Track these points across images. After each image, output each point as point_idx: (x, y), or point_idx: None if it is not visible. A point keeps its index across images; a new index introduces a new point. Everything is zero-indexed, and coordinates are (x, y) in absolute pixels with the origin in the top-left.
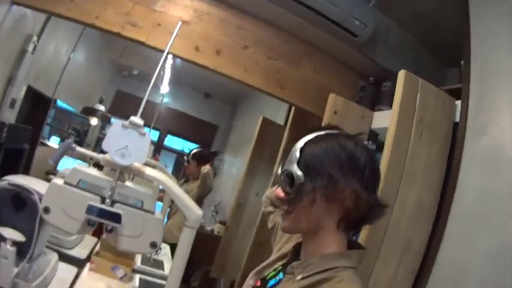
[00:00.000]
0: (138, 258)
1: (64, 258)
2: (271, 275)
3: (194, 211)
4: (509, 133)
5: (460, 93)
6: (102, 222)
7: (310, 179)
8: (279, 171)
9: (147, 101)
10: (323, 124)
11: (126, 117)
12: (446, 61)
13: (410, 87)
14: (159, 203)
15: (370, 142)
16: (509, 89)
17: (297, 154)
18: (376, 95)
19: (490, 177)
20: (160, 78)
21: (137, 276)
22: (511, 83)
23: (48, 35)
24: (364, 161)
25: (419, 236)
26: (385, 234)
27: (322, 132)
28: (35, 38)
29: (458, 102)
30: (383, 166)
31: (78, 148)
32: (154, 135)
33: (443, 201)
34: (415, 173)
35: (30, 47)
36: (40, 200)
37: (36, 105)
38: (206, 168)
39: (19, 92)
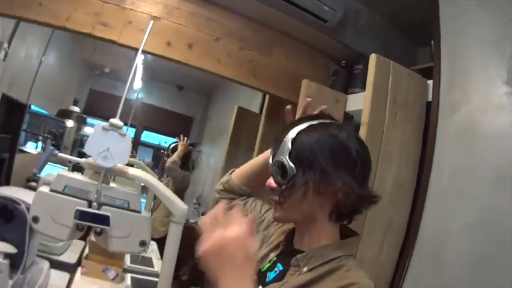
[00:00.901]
0: (128, 258)
1: (55, 264)
2: (266, 266)
3: (179, 206)
4: (481, 110)
5: (431, 72)
6: (91, 225)
7: (303, 171)
8: (270, 161)
9: (125, 99)
10: (298, 111)
11: (101, 116)
12: (417, 41)
13: (382, 70)
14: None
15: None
16: (480, 67)
17: (289, 145)
18: (349, 78)
19: (465, 153)
20: (132, 74)
21: (128, 276)
22: (481, 60)
23: (18, 40)
24: (356, 153)
25: (400, 214)
26: (367, 215)
27: (315, 122)
28: (5, 45)
29: (430, 82)
30: None
31: (61, 154)
32: (130, 132)
33: (420, 179)
34: (392, 153)
35: (1, 54)
36: (28, 209)
37: (12, 112)
38: (168, 161)
39: None
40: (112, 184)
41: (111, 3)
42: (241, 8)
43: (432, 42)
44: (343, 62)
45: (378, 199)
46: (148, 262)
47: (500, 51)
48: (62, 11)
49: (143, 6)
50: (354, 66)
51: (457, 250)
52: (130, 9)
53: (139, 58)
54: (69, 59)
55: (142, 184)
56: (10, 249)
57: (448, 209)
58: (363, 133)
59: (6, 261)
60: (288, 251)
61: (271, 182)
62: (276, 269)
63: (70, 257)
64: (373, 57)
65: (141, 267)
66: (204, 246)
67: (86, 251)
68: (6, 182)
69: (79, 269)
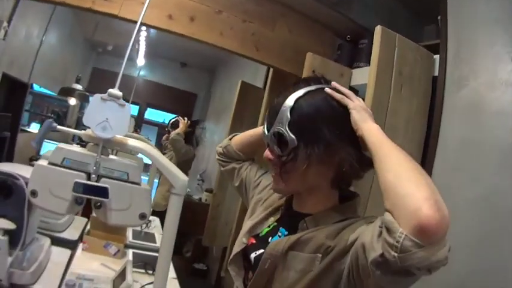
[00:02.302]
0: (130, 234)
1: (56, 241)
2: (266, 230)
3: (180, 177)
4: (488, 86)
5: (437, 49)
6: (90, 198)
7: (304, 144)
8: (265, 130)
9: (125, 76)
10: None
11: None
12: (423, 18)
13: (387, 42)
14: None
15: None
16: (488, 43)
17: (288, 114)
18: (354, 53)
19: (471, 129)
20: (135, 51)
21: (130, 251)
22: (488, 37)
23: (18, 18)
24: None
25: None
26: (371, 190)
27: (313, 87)
28: (5, 24)
29: (437, 57)
30: None
31: (59, 127)
32: (133, 109)
33: (426, 154)
34: (397, 127)
35: (1, 33)
36: (26, 184)
37: (13, 92)
38: (173, 133)
39: None
40: (112, 156)
41: None
42: None
43: (439, 18)
44: (348, 36)
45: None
46: (150, 238)
47: (508, 28)
48: None
49: None
50: (359, 40)
51: (461, 227)
52: None
53: (142, 34)
54: (71, 38)
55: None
56: (9, 225)
57: (453, 185)
58: (367, 104)
59: (5, 238)
60: (289, 215)
61: (268, 153)
62: (279, 233)
63: (72, 233)
64: (378, 30)
65: (143, 242)
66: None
67: (88, 227)
68: (9, 161)
69: (80, 245)
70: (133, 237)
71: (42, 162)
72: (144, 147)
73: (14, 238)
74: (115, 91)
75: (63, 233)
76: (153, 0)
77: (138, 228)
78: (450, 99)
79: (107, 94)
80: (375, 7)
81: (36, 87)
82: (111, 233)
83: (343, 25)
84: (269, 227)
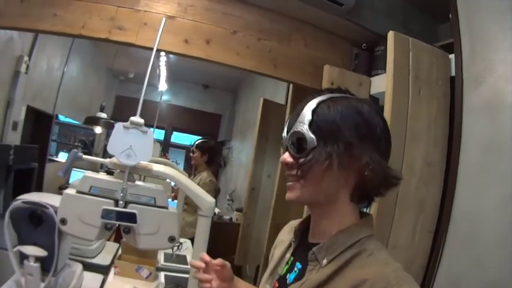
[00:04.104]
0: (161, 257)
1: (88, 267)
2: (285, 269)
3: (206, 199)
4: (505, 80)
5: (453, 47)
6: (119, 224)
7: (324, 143)
8: (284, 134)
9: (148, 101)
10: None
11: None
12: (437, 17)
13: (401, 47)
14: (173, 202)
15: None
16: (501, 37)
17: (309, 115)
18: (371, 61)
19: (493, 126)
20: (156, 77)
21: (162, 274)
22: (501, 30)
23: (39, 52)
24: (381, 129)
25: (432, 194)
26: (397, 197)
27: (337, 94)
28: (26, 58)
29: (452, 56)
30: None
31: (85, 156)
32: (159, 134)
33: (450, 156)
34: (419, 131)
35: (23, 68)
36: (56, 213)
37: (39, 123)
38: (208, 177)
39: (19, 114)
40: (138, 182)
41: (125, 7)
42: None
43: (450, 15)
44: (364, 44)
45: (400, 180)
46: (182, 260)
47: None
48: (77, 19)
49: (157, 7)
50: (375, 48)
51: (492, 227)
52: (145, 10)
53: (162, 59)
54: (92, 68)
55: (172, 185)
56: (40, 252)
57: (481, 186)
58: (387, 112)
59: (37, 264)
60: (303, 246)
61: (286, 157)
62: (295, 269)
63: (104, 258)
64: (391, 35)
65: (175, 265)
66: None
67: (120, 252)
68: (38, 191)
69: (112, 270)
70: (165, 260)
71: (70, 191)
72: (169, 171)
73: (46, 264)
74: (136, 119)
75: (95, 258)
76: (168, 26)
77: (170, 251)
78: (469, 98)
79: (129, 122)
80: (387, 12)
81: (61, 117)
82: (142, 257)
83: (358, 34)
84: (287, 263)
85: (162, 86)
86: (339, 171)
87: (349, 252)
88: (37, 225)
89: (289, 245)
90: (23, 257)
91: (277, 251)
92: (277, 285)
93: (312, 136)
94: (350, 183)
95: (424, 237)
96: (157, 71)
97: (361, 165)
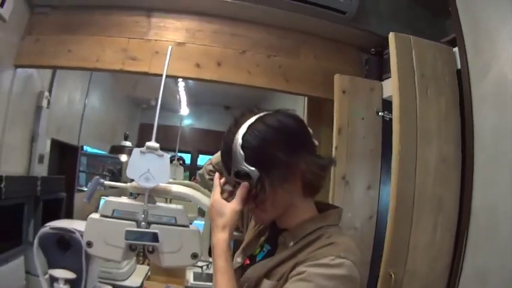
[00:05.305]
0: (191, 276)
1: None
2: (257, 250)
3: None
4: (510, 64)
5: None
6: (142, 244)
7: (265, 171)
8: (226, 174)
9: (171, 127)
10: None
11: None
12: (442, 12)
13: (403, 46)
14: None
15: (386, 112)
16: (501, 22)
17: (241, 151)
18: (382, 65)
19: (504, 114)
20: (177, 102)
21: None
22: (501, 15)
23: (58, 87)
24: (299, 129)
25: (449, 191)
26: (414, 198)
27: (252, 119)
28: (46, 94)
29: (457, 49)
30: (395, 131)
31: (106, 182)
32: (186, 158)
33: (465, 150)
34: (430, 130)
35: (44, 103)
36: (82, 236)
37: (65, 155)
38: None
39: (44, 147)
40: (160, 204)
41: (136, 37)
42: (260, 17)
43: (450, 8)
44: (373, 49)
45: (335, 161)
46: (211, 278)
47: None
48: (91, 53)
49: (166, 35)
50: (384, 51)
51: (509, 219)
52: (155, 40)
53: (180, 85)
54: (113, 98)
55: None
56: (69, 275)
57: (498, 176)
58: (395, 115)
59: (67, 286)
60: (273, 230)
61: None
62: (264, 250)
63: (134, 281)
64: (391, 36)
65: (205, 283)
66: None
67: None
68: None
69: None
70: (195, 279)
71: (94, 215)
72: (188, 191)
73: (75, 286)
74: (152, 144)
75: (126, 281)
76: (179, 52)
77: (199, 270)
78: (478, 89)
79: (145, 147)
80: (391, 14)
81: (89, 149)
82: (170, 277)
83: (365, 39)
84: (260, 246)
85: (184, 110)
86: (286, 185)
87: (312, 236)
88: (65, 249)
89: (265, 230)
90: (53, 280)
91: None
92: (248, 261)
93: (253, 169)
94: (298, 187)
95: (446, 236)
96: (178, 97)
97: (301, 172)
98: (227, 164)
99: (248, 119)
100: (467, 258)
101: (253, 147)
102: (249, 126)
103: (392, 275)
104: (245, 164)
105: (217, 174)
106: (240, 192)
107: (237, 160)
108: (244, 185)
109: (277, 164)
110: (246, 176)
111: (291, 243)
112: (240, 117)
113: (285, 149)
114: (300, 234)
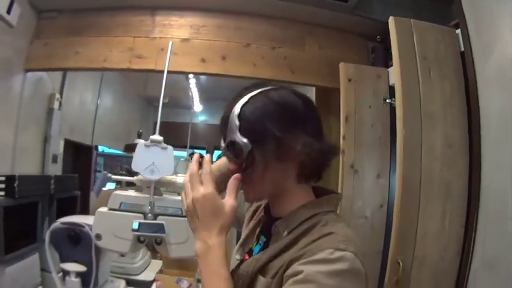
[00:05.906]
0: None
1: (133, 283)
2: (255, 244)
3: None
4: None
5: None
6: (149, 235)
7: (257, 145)
8: (222, 144)
9: (185, 123)
10: (342, 95)
11: (169, 144)
12: None
13: (404, 30)
14: None
15: (393, 99)
16: (503, 1)
17: (236, 121)
18: (388, 52)
19: (510, 94)
20: (190, 99)
21: None
22: None
23: (69, 89)
24: (303, 109)
25: (457, 176)
26: (421, 184)
27: (254, 92)
28: (57, 95)
29: (459, 31)
30: (398, 115)
31: (114, 176)
32: (202, 154)
33: (471, 133)
34: (434, 113)
35: (56, 105)
36: (91, 230)
37: (79, 155)
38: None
39: (58, 147)
40: (165, 195)
41: (141, 36)
42: (262, 10)
43: None
44: (378, 37)
45: (338, 149)
46: None
47: None
48: (98, 54)
49: (171, 32)
50: (389, 38)
51: None
52: (160, 37)
53: (192, 82)
54: (125, 97)
55: None
56: (80, 268)
57: (507, 160)
58: (398, 100)
59: (78, 279)
60: (268, 222)
61: (229, 166)
62: (260, 242)
63: (148, 275)
64: (391, 21)
65: None
66: (184, 205)
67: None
68: None
69: (154, 284)
70: None
71: (102, 209)
72: None
73: (86, 279)
74: (156, 137)
75: (140, 275)
76: (184, 48)
77: None
78: (482, 70)
79: (149, 141)
80: (395, 1)
81: (105, 149)
82: (182, 269)
83: (369, 27)
84: (257, 238)
85: (197, 107)
86: (278, 164)
87: (306, 224)
88: (76, 243)
89: (260, 221)
90: (65, 274)
91: (247, 222)
92: (247, 257)
93: (245, 140)
94: (292, 170)
95: (455, 223)
96: (190, 93)
97: (296, 153)
98: (223, 132)
99: (251, 91)
100: (477, 245)
101: (248, 118)
102: (251, 98)
103: (400, 263)
104: (238, 134)
105: (197, 156)
106: (232, 186)
107: (232, 130)
108: (236, 177)
109: (271, 139)
110: (238, 148)
111: (285, 233)
112: (246, 89)
113: (282, 125)
114: (294, 222)
